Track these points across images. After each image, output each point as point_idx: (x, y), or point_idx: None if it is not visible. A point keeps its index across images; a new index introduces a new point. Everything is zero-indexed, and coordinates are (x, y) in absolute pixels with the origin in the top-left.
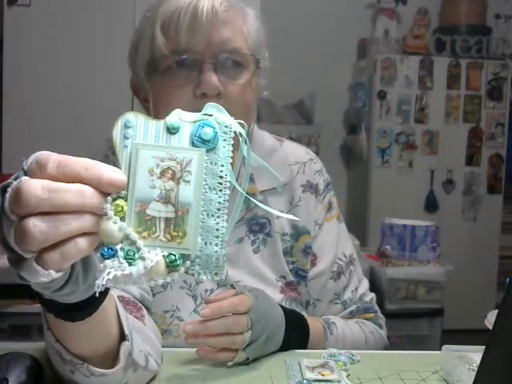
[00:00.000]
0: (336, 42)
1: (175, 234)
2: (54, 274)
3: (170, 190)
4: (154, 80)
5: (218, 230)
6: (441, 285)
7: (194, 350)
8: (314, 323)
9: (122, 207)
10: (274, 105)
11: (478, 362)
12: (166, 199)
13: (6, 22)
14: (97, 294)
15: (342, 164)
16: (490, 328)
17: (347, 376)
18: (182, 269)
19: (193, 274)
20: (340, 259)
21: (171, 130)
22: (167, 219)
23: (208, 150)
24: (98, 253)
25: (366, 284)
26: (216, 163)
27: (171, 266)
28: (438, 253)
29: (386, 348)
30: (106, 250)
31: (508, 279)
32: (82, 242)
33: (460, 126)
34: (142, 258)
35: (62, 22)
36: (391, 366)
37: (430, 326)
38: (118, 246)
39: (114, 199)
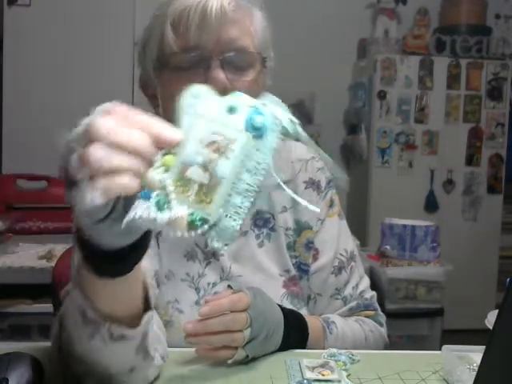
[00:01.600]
0: (336, 41)
1: (203, 198)
2: (98, 200)
3: (211, 161)
4: (163, 76)
5: (240, 207)
6: (441, 285)
7: (194, 349)
8: (314, 322)
9: (169, 162)
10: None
11: (478, 361)
12: (205, 167)
13: (6, 22)
14: (122, 226)
15: (342, 164)
16: (491, 328)
17: (347, 376)
18: (199, 230)
19: (207, 238)
20: (341, 254)
21: (231, 110)
22: (201, 184)
23: (255, 136)
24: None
25: (367, 281)
26: (259, 150)
27: (191, 225)
28: (438, 253)
29: (386, 346)
30: (143, 193)
31: (508, 279)
32: (128, 180)
33: (460, 125)
34: (170, 209)
35: (62, 22)
36: (391, 365)
37: (430, 326)
38: (154, 193)
39: (164, 154)
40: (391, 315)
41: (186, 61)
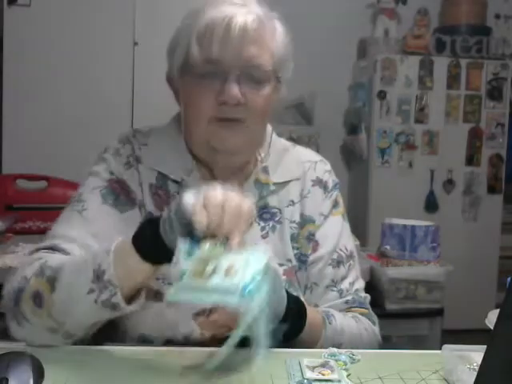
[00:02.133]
0: (336, 41)
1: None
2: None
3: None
4: (185, 81)
5: None
6: (441, 285)
7: (194, 349)
8: (313, 310)
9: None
10: (274, 105)
11: (479, 361)
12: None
13: (6, 22)
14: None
15: (342, 164)
16: (491, 327)
17: (347, 376)
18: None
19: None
20: (341, 250)
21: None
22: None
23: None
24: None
25: (362, 283)
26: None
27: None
28: (438, 253)
29: (379, 345)
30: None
31: (509, 278)
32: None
33: (460, 125)
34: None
35: (62, 22)
36: (391, 365)
37: (430, 326)
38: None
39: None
40: (391, 315)
41: (205, 71)
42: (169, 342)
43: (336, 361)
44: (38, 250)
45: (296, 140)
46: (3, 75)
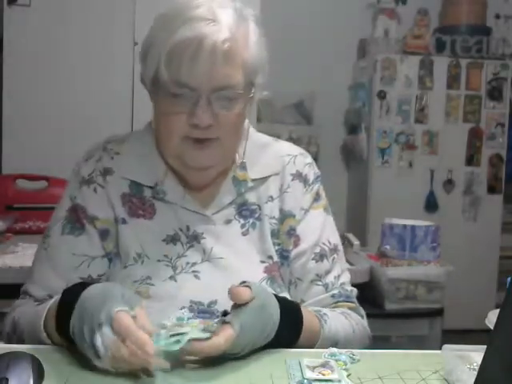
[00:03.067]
0: (336, 42)
1: None
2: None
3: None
4: (157, 97)
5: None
6: (441, 285)
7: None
8: (309, 314)
9: None
10: (274, 105)
11: (479, 361)
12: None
13: (6, 22)
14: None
15: (342, 164)
16: (491, 327)
17: (348, 376)
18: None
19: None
20: (324, 244)
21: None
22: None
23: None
24: None
25: (348, 276)
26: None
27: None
28: (438, 253)
29: (369, 339)
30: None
31: (509, 278)
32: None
33: (460, 125)
34: None
35: (62, 22)
36: (391, 365)
37: (430, 326)
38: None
39: None
40: (391, 315)
41: (175, 92)
42: None
43: (336, 361)
44: (20, 293)
45: (296, 140)
46: (3, 75)
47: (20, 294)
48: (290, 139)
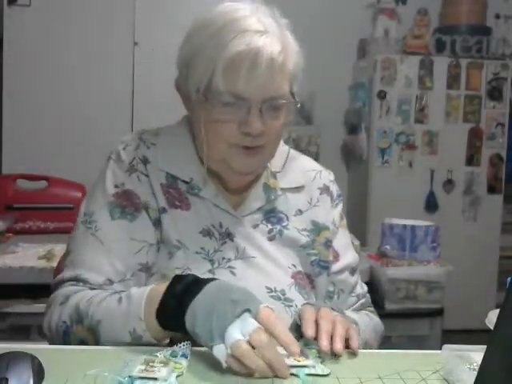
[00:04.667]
0: (336, 42)
1: None
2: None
3: None
4: (206, 105)
5: None
6: (441, 285)
7: (194, 349)
8: (359, 320)
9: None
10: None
11: (479, 361)
12: None
13: (5, 22)
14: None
15: (342, 164)
16: (491, 327)
17: (321, 362)
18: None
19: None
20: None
21: None
22: None
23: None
24: None
25: (365, 285)
26: None
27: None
28: (438, 253)
29: (383, 335)
30: None
31: (509, 278)
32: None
33: (460, 125)
34: None
35: (62, 22)
36: (391, 365)
37: (430, 326)
38: None
39: None
40: (391, 315)
41: (228, 101)
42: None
43: (310, 349)
44: (63, 280)
45: (296, 140)
46: (3, 75)
47: (62, 281)
48: (290, 139)
